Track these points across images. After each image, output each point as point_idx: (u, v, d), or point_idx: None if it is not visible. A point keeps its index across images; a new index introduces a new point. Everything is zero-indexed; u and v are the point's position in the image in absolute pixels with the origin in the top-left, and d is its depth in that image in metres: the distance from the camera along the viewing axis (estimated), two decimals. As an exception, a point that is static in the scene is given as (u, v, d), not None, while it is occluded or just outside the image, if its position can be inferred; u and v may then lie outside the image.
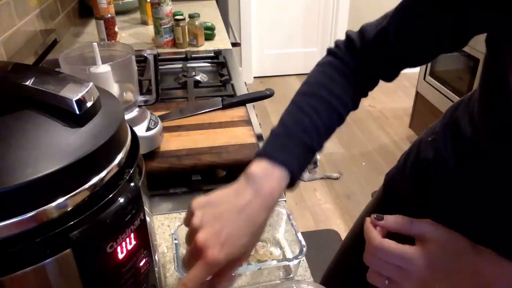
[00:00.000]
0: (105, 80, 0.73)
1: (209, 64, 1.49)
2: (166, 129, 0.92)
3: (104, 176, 0.39)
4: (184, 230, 0.55)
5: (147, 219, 0.48)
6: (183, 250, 0.65)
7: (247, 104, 1.08)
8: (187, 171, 0.85)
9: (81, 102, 0.40)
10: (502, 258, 0.49)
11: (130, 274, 0.45)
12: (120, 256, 0.43)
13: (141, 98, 0.87)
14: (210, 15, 1.97)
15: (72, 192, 0.37)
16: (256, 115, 1.13)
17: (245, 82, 1.35)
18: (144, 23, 1.87)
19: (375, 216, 0.55)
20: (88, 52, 0.73)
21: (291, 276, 0.67)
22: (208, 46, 1.63)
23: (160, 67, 1.38)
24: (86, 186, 0.38)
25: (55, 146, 0.38)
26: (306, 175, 2.40)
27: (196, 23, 1.57)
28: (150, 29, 1.75)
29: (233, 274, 0.51)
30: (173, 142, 0.90)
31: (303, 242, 0.64)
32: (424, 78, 2.49)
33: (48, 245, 0.36)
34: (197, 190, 0.85)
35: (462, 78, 2.20)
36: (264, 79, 3.66)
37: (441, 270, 0.50)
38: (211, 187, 0.86)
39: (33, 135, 0.39)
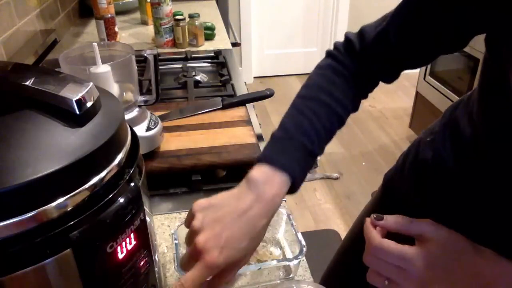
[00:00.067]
0: (105, 80, 0.73)
1: (209, 64, 1.49)
2: (166, 129, 0.92)
3: (104, 176, 0.39)
4: (184, 230, 0.55)
5: (147, 219, 0.48)
6: (183, 250, 0.65)
7: (247, 104, 1.08)
8: (187, 171, 0.85)
9: (81, 102, 0.40)
10: (502, 258, 0.49)
11: (130, 274, 0.45)
12: (120, 256, 0.43)
13: (141, 98, 0.87)
14: (210, 15, 1.97)
15: (72, 192, 0.37)
16: (256, 115, 1.13)
17: (245, 82, 1.35)
18: (144, 23, 1.87)
19: (375, 216, 0.55)
20: (88, 52, 0.73)
21: (291, 276, 0.67)
22: (208, 46, 1.63)
23: (160, 67, 1.38)
24: (86, 186, 0.38)
25: (55, 146, 0.38)
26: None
27: (196, 23, 1.57)
28: (150, 29, 1.75)
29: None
30: (173, 142, 0.90)
31: (303, 242, 0.64)
32: (424, 78, 2.49)
33: (48, 245, 0.36)
34: (197, 190, 0.85)
35: (462, 78, 2.20)
36: (264, 79, 3.66)
37: (441, 270, 0.50)
38: (211, 187, 0.86)
39: (33, 135, 0.39)
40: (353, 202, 2.25)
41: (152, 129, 0.83)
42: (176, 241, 0.64)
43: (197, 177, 0.85)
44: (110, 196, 0.40)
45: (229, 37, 1.78)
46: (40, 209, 0.35)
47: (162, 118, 0.96)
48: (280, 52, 3.61)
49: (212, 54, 1.52)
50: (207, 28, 1.67)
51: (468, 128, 0.58)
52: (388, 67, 0.60)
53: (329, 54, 0.63)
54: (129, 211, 0.42)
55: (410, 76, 2.57)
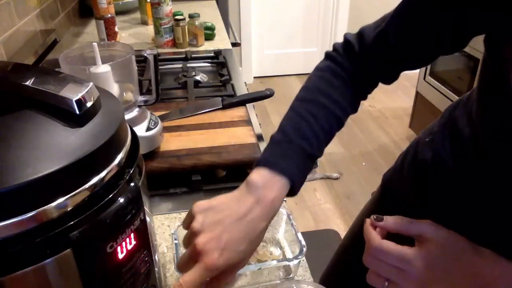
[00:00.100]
0: (105, 80, 0.73)
1: (209, 64, 1.49)
2: (166, 129, 0.92)
3: (104, 176, 0.39)
4: (184, 230, 0.55)
5: (147, 219, 0.48)
6: (183, 250, 0.65)
7: (247, 104, 1.08)
8: (187, 171, 0.85)
9: (81, 102, 0.40)
10: (501, 258, 0.49)
11: (130, 274, 0.45)
12: (120, 256, 0.43)
13: (141, 98, 0.87)
14: (210, 15, 1.97)
15: (72, 192, 0.37)
16: (256, 115, 1.13)
17: (245, 82, 1.35)
18: (144, 23, 1.87)
19: (375, 217, 0.55)
20: (88, 52, 0.73)
21: (291, 276, 0.67)
22: (208, 46, 1.63)
23: (160, 67, 1.38)
24: (86, 186, 0.38)
25: (55, 146, 0.38)
26: (306, 175, 2.40)
27: (196, 23, 1.57)
28: (150, 29, 1.75)
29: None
30: (173, 142, 0.90)
31: (303, 242, 0.64)
32: (424, 78, 2.49)
33: (48, 245, 0.36)
34: (197, 190, 0.85)
35: (462, 78, 2.20)
36: (264, 79, 3.66)
37: (440, 270, 0.50)
38: (211, 187, 0.86)
39: (33, 135, 0.39)
40: (353, 202, 2.25)
41: (152, 129, 0.83)
42: (176, 241, 0.64)
43: (197, 177, 0.85)
44: (110, 196, 0.40)
45: (229, 37, 1.78)
46: (40, 209, 0.35)
47: (162, 118, 0.96)
48: (280, 52, 3.61)
49: (212, 54, 1.52)
50: (207, 28, 1.67)
51: (467, 128, 0.58)
52: (388, 68, 0.60)
53: (328, 56, 0.63)
54: (129, 211, 0.42)
55: (410, 76, 2.57)
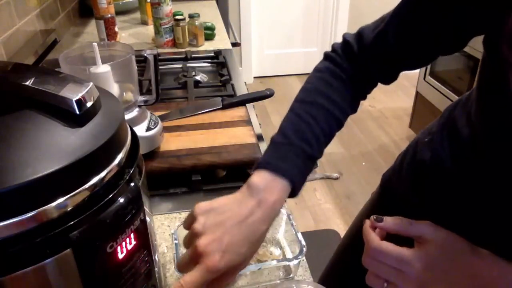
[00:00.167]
0: (105, 80, 0.73)
1: (209, 64, 1.49)
2: (166, 129, 0.92)
3: (104, 176, 0.39)
4: (184, 230, 0.55)
5: (147, 219, 0.48)
6: (183, 250, 0.65)
7: (247, 104, 1.08)
8: (187, 171, 0.85)
9: (81, 102, 0.40)
10: (500, 259, 0.49)
11: (130, 274, 0.45)
12: (120, 256, 0.43)
13: (141, 98, 0.87)
14: (210, 15, 1.97)
15: (72, 192, 0.37)
16: (256, 115, 1.13)
17: (245, 82, 1.35)
18: (144, 23, 1.87)
19: (374, 217, 0.56)
20: (88, 52, 0.73)
21: (291, 276, 0.67)
22: (208, 46, 1.63)
23: (160, 67, 1.38)
24: (86, 186, 0.38)
25: (55, 146, 0.38)
26: (306, 175, 2.40)
27: (196, 23, 1.57)
28: (150, 29, 1.75)
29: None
30: (173, 142, 0.90)
31: (303, 242, 0.64)
32: (424, 78, 2.49)
33: (48, 245, 0.36)
34: (197, 190, 0.85)
35: (462, 78, 2.20)
36: (264, 79, 3.66)
37: (439, 271, 0.50)
38: (211, 187, 0.86)
39: (33, 135, 0.39)
40: (353, 202, 2.25)
41: (152, 129, 0.84)
42: (176, 241, 0.64)
43: (197, 177, 0.85)
44: (110, 196, 0.40)
45: (229, 37, 1.78)
46: (40, 209, 0.35)
47: (162, 118, 0.96)
48: (280, 52, 3.61)
49: (212, 54, 1.52)
50: (207, 28, 1.67)
51: (466, 128, 0.58)
52: (387, 68, 0.60)
53: (327, 56, 0.63)
54: (129, 211, 0.42)
55: (410, 76, 2.57)
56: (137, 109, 0.84)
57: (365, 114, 3.08)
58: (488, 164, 0.54)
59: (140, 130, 0.82)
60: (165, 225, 0.77)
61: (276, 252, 0.71)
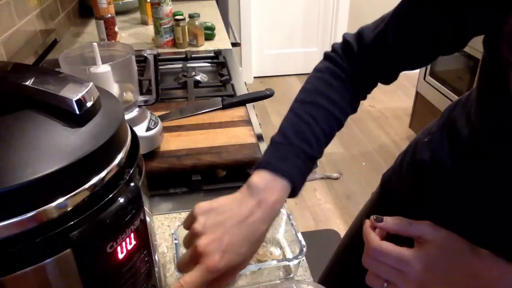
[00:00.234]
0: (105, 80, 0.73)
1: (209, 64, 1.49)
2: (166, 129, 0.92)
3: (104, 176, 0.39)
4: (184, 230, 0.55)
5: (147, 219, 0.48)
6: (183, 250, 0.65)
7: (247, 104, 1.08)
8: (187, 171, 0.85)
9: (81, 102, 0.40)
10: (500, 260, 0.49)
11: (130, 274, 0.45)
12: (120, 256, 0.43)
13: (141, 98, 0.87)
14: (210, 15, 1.97)
15: (72, 192, 0.37)
16: (256, 115, 1.13)
17: (245, 82, 1.35)
18: (144, 23, 1.87)
19: (374, 217, 0.56)
20: (88, 52, 0.73)
21: (291, 276, 0.67)
22: (208, 46, 1.63)
23: (160, 67, 1.38)
24: (86, 186, 0.38)
25: (55, 146, 0.38)
26: (306, 175, 2.40)
27: (196, 23, 1.57)
28: (150, 29, 1.75)
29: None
30: (173, 142, 0.90)
31: (303, 242, 0.64)
32: (424, 78, 2.49)
33: (48, 245, 0.36)
34: (197, 190, 0.85)
35: (462, 78, 2.20)
36: (264, 79, 3.66)
37: (439, 271, 0.50)
38: (211, 187, 0.86)
39: (33, 135, 0.39)
40: (353, 202, 2.25)
41: (152, 129, 0.84)
42: (176, 241, 0.64)
43: (197, 177, 0.85)
44: (110, 196, 0.40)
45: (229, 37, 1.78)
46: (40, 209, 0.35)
47: (162, 118, 0.96)
48: (280, 52, 3.61)
49: (212, 54, 1.52)
50: (207, 28, 1.67)
51: (466, 128, 0.58)
52: (387, 68, 0.60)
53: (326, 56, 0.63)
54: (129, 211, 0.42)
55: (410, 76, 2.57)
56: (137, 109, 0.84)
57: (365, 114, 3.08)
58: (487, 164, 0.54)
59: (140, 130, 0.82)
60: (165, 225, 0.77)
61: (276, 252, 0.71)
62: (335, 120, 0.59)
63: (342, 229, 2.06)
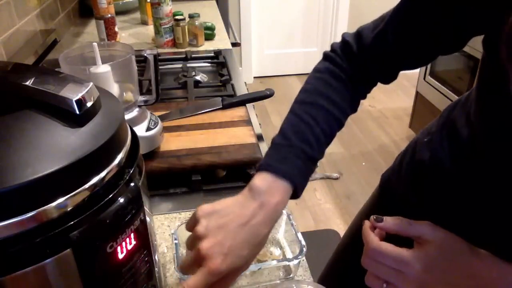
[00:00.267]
0: (105, 80, 0.73)
1: (209, 64, 1.49)
2: (166, 129, 0.92)
3: (104, 176, 0.39)
4: (184, 230, 0.55)
5: (147, 219, 0.48)
6: (183, 250, 0.65)
7: (247, 104, 1.08)
8: (187, 171, 0.85)
9: (81, 102, 0.40)
10: (499, 260, 0.49)
11: (130, 274, 0.45)
12: (120, 256, 0.43)
13: (141, 98, 0.87)
14: (210, 15, 1.97)
15: (72, 192, 0.37)
16: (256, 115, 1.13)
17: (245, 82, 1.35)
18: (144, 23, 1.87)
19: (374, 217, 0.56)
20: (88, 52, 0.73)
21: (291, 276, 0.67)
22: (208, 46, 1.63)
23: (160, 67, 1.38)
24: (86, 186, 0.38)
25: (55, 146, 0.38)
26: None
27: (196, 23, 1.57)
28: (150, 29, 1.75)
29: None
30: (173, 142, 0.90)
31: (303, 242, 0.64)
32: (424, 78, 2.49)
33: (48, 245, 0.36)
34: (197, 190, 0.85)
35: (462, 78, 2.20)
36: (264, 79, 3.66)
37: (439, 272, 0.50)
38: (211, 187, 0.86)
39: (33, 135, 0.39)
40: (353, 202, 2.25)
41: (152, 129, 0.84)
42: (176, 241, 0.64)
43: (197, 177, 0.85)
44: (110, 196, 0.40)
45: (229, 37, 1.78)
46: (40, 209, 0.35)
47: (162, 118, 0.96)
48: (280, 52, 3.61)
49: (212, 54, 1.52)
50: (207, 28, 1.67)
51: (466, 128, 0.58)
52: (386, 68, 0.60)
53: (326, 56, 0.63)
54: (129, 211, 0.42)
55: (410, 76, 2.57)
56: (137, 109, 0.84)
57: (365, 114, 3.08)
58: (487, 164, 0.54)
59: (140, 130, 0.82)
60: (165, 225, 0.77)
61: (276, 252, 0.71)
62: (335, 120, 0.59)
63: (342, 229, 2.06)
